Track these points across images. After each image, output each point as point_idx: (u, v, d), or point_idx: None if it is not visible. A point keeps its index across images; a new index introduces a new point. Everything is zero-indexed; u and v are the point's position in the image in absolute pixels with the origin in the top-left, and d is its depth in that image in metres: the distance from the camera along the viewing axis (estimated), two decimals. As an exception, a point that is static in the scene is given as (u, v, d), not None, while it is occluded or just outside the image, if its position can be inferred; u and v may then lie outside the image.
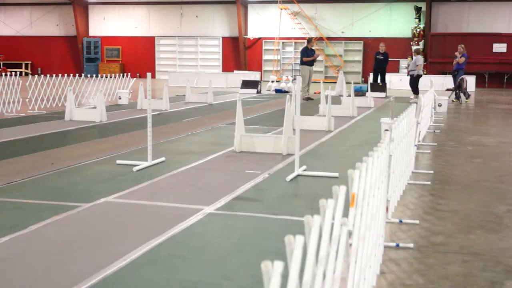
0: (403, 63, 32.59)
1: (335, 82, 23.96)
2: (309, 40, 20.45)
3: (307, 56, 19.61)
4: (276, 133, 10.32)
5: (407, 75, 21.01)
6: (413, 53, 20.63)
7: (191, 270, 3.87)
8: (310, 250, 1.81)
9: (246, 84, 23.80)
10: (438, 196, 6.20)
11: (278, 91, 23.40)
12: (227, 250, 4.28)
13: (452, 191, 6.44)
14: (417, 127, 7.91)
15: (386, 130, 4.16)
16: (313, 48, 20.29)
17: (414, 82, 19.59)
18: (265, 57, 35.26)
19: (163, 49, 37.01)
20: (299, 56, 20.76)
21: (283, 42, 34.69)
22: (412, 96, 19.52)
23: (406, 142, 5.87)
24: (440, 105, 15.89)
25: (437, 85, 20.48)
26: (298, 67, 33.48)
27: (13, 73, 15.70)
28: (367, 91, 17.91)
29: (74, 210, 5.30)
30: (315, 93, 21.57)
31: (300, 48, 24.69)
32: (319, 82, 21.51)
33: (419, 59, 19.74)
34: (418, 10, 31.88)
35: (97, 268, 3.85)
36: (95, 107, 13.17)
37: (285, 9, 33.75)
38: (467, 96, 20.09)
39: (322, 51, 32.51)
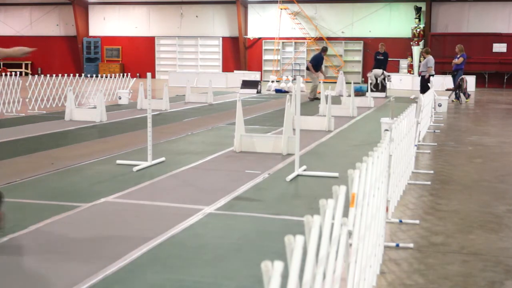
0: (403, 63, 32.60)
1: (335, 82, 23.97)
2: (324, 49, 20.55)
3: (319, 65, 20.05)
4: (276, 133, 10.32)
5: (418, 76, 20.95)
6: (423, 54, 20.46)
7: (191, 270, 3.87)
8: (310, 250, 1.81)
9: (246, 84, 23.80)
10: (438, 196, 6.20)
11: (278, 91, 23.41)
12: (227, 250, 4.28)
13: (452, 191, 6.44)
14: (417, 127, 7.91)
15: (386, 130, 4.16)
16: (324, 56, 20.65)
17: (424, 82, 19.39)
18: (265, 57, 35.24)
19: (163, 49, 37.00)
20: (310, 59, 20.88)
21: (283, 42, 34.67)
22: (416, 95, 19.47)
23: (406, 142, 5.87)
24: (440, 105, 15.89)
25: (437, 85, 20.44)
26: (298, 67, 33.56)
27: (13, 73, 15.69)
28: (367, 91, 17.92)
29: (74, 210, 5.30)
30: (315, 93, 21.56)
31: (301, 48, 24.76)
32: (319, 82, 21.49)
33: (431, 60, 19.59)
34: (418, 10, 31.86)
35: (97, 268, 3.85)
36: (95, 107, 13.17)
37: (285, 9, 33.74)
38: (467, 96, 20.07)
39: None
